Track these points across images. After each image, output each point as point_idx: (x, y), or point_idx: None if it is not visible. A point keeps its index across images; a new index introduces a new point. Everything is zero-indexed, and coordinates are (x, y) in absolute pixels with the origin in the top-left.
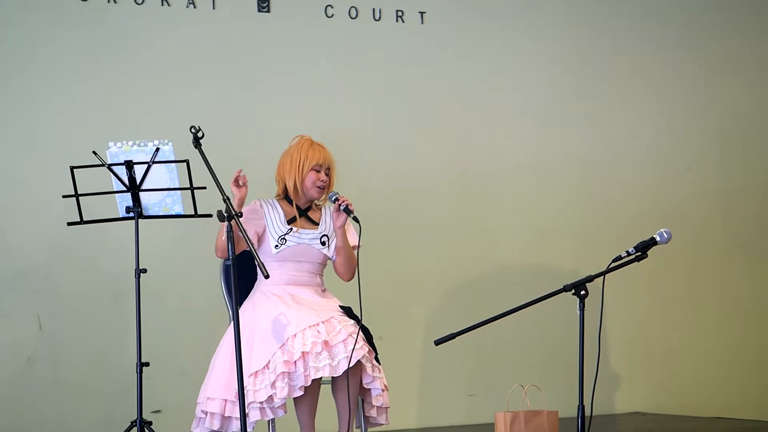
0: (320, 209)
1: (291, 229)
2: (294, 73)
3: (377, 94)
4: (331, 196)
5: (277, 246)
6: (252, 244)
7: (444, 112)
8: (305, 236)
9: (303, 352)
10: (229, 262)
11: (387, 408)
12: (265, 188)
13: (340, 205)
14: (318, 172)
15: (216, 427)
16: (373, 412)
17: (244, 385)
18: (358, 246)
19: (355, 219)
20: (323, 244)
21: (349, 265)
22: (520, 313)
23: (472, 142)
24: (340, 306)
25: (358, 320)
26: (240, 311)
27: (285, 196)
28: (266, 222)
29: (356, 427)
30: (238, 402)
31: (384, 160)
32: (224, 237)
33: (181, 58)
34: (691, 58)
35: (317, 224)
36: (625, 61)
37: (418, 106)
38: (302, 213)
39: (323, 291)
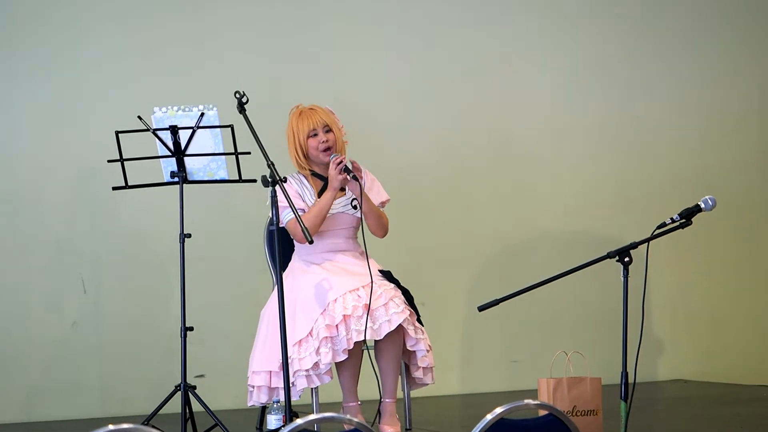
0: None
1: None
2: (338, 37)
3: (419, 59)
4: (331, 158)
5: None
6: (295, 210)
7: (485, 79)
8: (337, 205)
9: (344, 316)
10: (273, 228)
11: (432, 368)
12: None
13: (338, 166)
14: (315, 136)
15: (264, 400)
16: (419, 373)
17: (289, 354)
18: (384, 201)
19: (354, 177)
20: (355, 207)
21: (378, 222)
22: (563, 280)
23: (514, 109)
24: (379, 270)
25: (398, 283)
26: None
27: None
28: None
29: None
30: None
31: (427, 126)
32: (311, 217)
33: (225, 22)
34: (731, 24)
35: (344, 189)
36: (666, 26)
37: (459, 71)
38: (327, 183)
39: (360, 254)
